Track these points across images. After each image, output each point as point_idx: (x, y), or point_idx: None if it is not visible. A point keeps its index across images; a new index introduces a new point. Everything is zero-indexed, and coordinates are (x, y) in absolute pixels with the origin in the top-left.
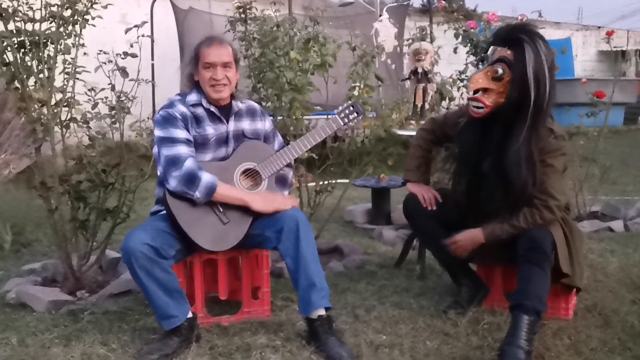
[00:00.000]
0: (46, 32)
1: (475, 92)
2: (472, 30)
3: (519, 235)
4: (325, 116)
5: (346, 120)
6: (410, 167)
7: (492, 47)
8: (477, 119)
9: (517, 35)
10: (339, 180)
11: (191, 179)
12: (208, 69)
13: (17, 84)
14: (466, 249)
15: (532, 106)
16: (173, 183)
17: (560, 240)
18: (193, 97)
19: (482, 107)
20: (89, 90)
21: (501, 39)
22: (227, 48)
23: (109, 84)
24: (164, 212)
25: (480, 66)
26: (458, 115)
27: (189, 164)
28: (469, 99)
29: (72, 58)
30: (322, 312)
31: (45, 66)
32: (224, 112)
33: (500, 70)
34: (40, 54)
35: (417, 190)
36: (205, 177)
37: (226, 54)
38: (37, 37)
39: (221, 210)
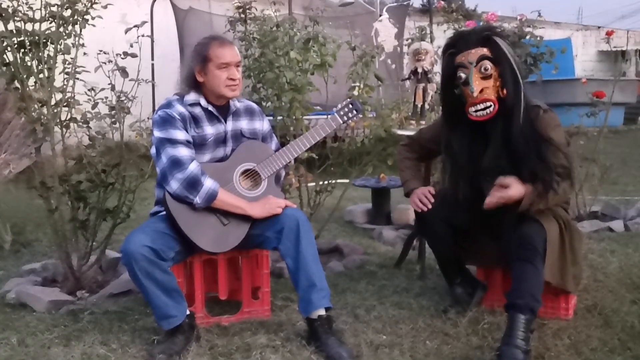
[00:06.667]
0: (46, 32)
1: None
2: None
3: (510, 234)
4: (325, 116)
5: (345, 118)
6: (407, 178)
7: (463, 52)
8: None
9: (484, 34)
10: (339, 180)
11: (193, 184)
12: (224, 69)
13: (17, 84)
14: (503, 200)
15: (522, 88)
16: (174, 185)
17: (553, 243)
18: (191, 97)
19: (491, 106)
20: (89, 90)
21: (474, 41)
22: (235, 48)
23: (109, 84)
24: (164, 212)
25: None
26: (433, 129)
27: (193, 167)
28: (468, 105)
29: (72, 58)
30: (322, 312)
31: (45, 66)
32: (222, 111)
33: (488, 67)
34: (40, 54)
35: (412, 200)
36: (207, 184)
37: (237, 53)
38: (37, 37)
39: (221, 211)
